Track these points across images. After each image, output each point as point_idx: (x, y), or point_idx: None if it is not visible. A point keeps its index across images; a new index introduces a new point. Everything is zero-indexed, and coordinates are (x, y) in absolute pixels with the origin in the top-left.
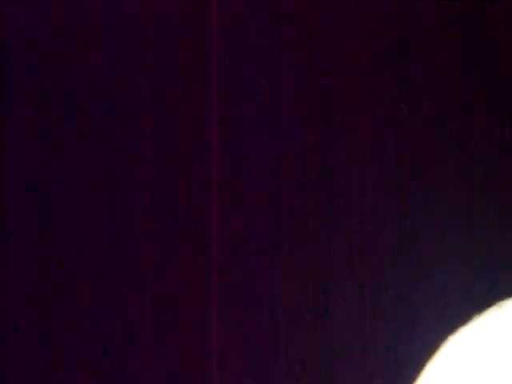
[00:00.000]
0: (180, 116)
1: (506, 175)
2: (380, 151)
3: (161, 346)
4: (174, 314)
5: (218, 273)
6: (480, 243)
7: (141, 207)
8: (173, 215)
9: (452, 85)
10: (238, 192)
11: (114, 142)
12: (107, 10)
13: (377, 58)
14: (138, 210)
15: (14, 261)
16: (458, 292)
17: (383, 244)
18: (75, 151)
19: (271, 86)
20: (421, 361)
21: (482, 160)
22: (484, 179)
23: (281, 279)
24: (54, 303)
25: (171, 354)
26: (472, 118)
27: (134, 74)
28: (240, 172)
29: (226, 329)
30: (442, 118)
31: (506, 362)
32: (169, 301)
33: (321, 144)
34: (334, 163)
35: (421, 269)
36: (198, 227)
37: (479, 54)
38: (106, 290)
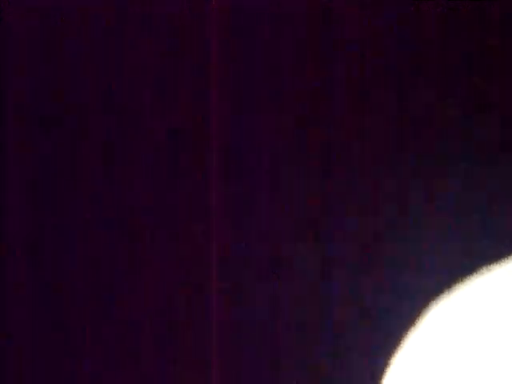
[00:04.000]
0: (179, 116)
1: (505, 172)
2: (380, 151)
3: (161, 342)
4: (172, 311)
5: (218, 274)
6: (467, 217)
7: (142, 199)
8: (172, 213)
9: (452, 83)
10: (238, 190)
11: (112, 140)
12: (107, 10)
13: (377, 58)
14: (139, 202)
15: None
16: (442, 260)
17: (380, 237)
18: (73, 151)
19: (271, 85)
20: (404, 330)
21: (482, 157)
22: (483, 176)
23: (281, 279)
24: (54, 301)
25: (171, 353)
26: (473, 116)
27: (133, 74)
28: (239, 172)
29: (225, 329)
30: (442, 118)
31: (489, 330)
32: (168, 300)
33: (320, 143)
34: (334, 162)
35: (408, 234)
36: (197, 224)
37: (480, 52)
38: (106, 286)
